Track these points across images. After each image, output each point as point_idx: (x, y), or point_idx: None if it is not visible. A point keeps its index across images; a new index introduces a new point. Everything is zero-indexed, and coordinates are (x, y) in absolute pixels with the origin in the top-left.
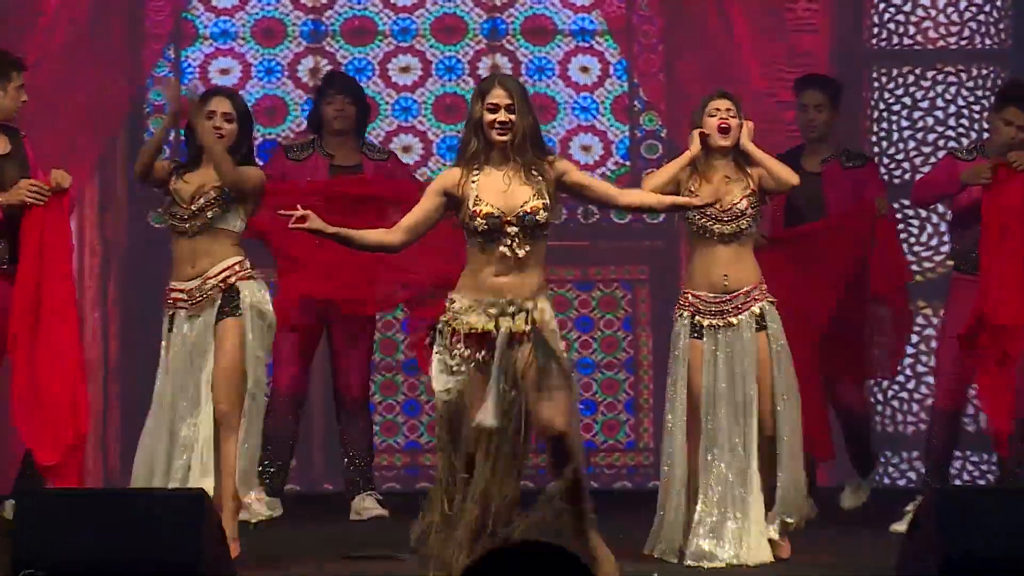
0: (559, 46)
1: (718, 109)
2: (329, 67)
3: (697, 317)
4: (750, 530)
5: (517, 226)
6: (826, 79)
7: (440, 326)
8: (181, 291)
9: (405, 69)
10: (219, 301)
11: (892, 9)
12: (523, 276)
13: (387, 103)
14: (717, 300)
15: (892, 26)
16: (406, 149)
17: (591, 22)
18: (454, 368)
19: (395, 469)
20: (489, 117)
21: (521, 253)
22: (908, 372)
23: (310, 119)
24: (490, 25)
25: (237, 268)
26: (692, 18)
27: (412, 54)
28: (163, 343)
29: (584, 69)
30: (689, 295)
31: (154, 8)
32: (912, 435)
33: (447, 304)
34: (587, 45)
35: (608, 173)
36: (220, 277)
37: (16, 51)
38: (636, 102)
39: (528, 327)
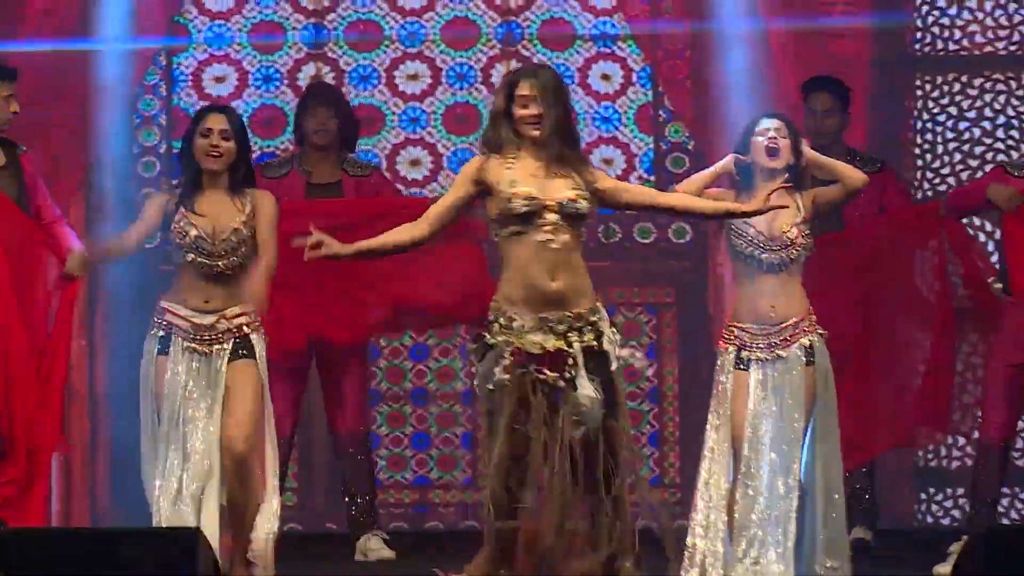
0: (578, 52)
1: (767, 130)
2: (332, 74)
3: (744, 351)
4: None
5: (558, 212)
6: (834, 81)
7: (495, 344)
8: (184, 319)
9: (413, 77)
10: (229, 346)
11: (936, 12)
12: (575, 279)
13: (394, 113)
14: (764, 332)
15: (936, 30)
16: (414, 163)
17: (613, 26)
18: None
19: (403, 507)
20: (519, 112)
21: (558, 243)
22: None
23: (295, 133)
24: (504, 30)
25: (253, 316)
26: (722, 22)
27: (421, 60)
28: (148, 364)
29: (605, 77)
30: (735, 328)
31: (144, 12)
32: (956, 471)
33: (499, 319)
34: (608, 51)
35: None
36: (236, 323)
37: None
38: (661, 112)
39: (597, 343)
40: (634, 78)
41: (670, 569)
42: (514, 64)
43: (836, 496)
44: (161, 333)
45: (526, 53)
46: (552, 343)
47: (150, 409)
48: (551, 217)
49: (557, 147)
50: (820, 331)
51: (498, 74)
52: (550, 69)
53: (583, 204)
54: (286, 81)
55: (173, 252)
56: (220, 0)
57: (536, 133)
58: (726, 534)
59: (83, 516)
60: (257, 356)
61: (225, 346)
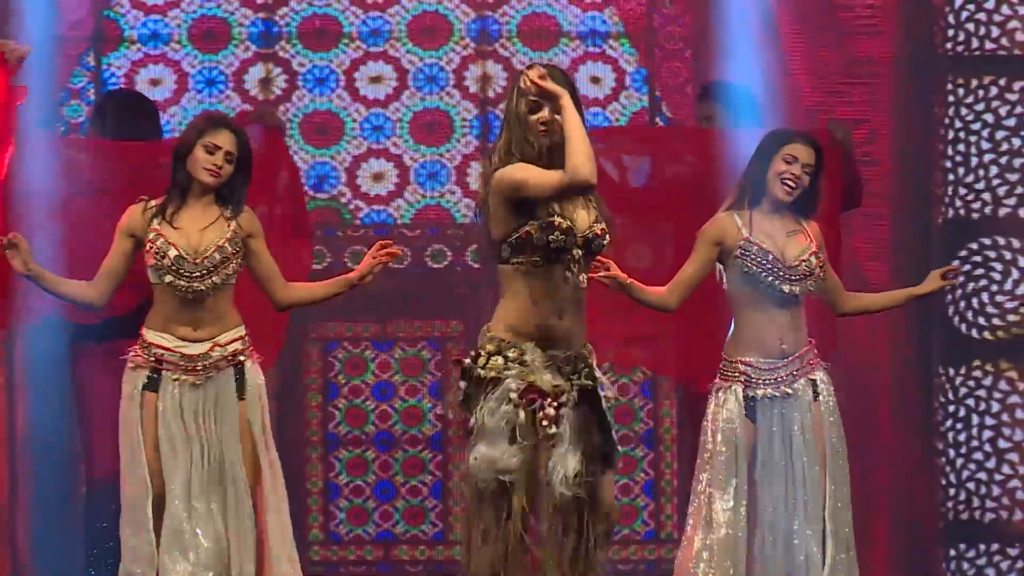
0: (564, 51)
1: (794, 158)
2: (283, 76)
3: (748, 389)
4: None
5: (583, 249)
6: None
7: (506, 379)
8: (171, 351)
9: (376, 79)
10: (229, 378)
11: (971, 7)
12: (581, 317)
13: (354, 120)
14: (771, 367)
15: (971, 27)
16: (377, 177)
17: (603, 22)
18: (522, 433)
19: (365, 564)
20: (531, 118)
21: (584, 282)
22: (988, 448)
23: None
24: (480, 26)
25: (246, 341)
26: (727, 18)
27: (385, 61)
28: (131, 402)
29: (595, 79)
30: (739, 363)
31: (69, 6)
32: (990, 524)
33: (506, 352)
34: (598, 50)
35: None
36: (230, 350)
37: None
38: (658, 119)
39: (590, 384)
40: (628, 81)
41: None
42: (491, 65)
43: (846, 543)
44: (148, 369)
45: (504, 53)
46: (559, 382)
47: (135, 452)
48: (576, 253)
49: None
50: (823, 364)
51: (472, 76)
52: (558, 69)
53: (606, 240)
54: (231, 84)
55: (149, 273)
56: None
57: (547, 139)
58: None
59: (2, 572)
60: (250, 387)
61: (222, 374)
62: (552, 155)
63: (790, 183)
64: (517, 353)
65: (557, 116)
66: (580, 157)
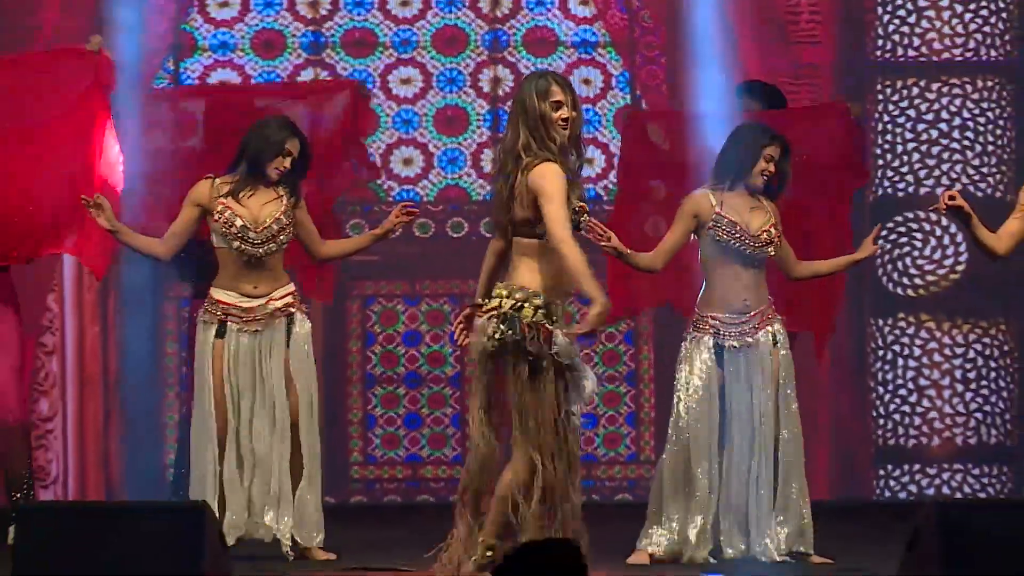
0: (561, 58)
1: (771, 157)
2: (329, 78)
3: (717, 339)
4: (759, 539)
5: (576, 229)
6: (768, 85)
7: (553, 329)
8: (235, 306)
9: (406, 81)
10: (280, 327)
11: (897, 21)
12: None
13: (387, 115)
14: (737, 321)
15: (897, 38)
16: (407, 162)
17: (593, 34)
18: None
19: (396, 482)
20: (554, 115)
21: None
22: (910, 385)
23: None
24: (491, 37)
25: (296, 296)
26: (695, 30)
27: (413, 66)
28: (204, 349)
29: (586, 81)
30: (709, 318)
31: (154, 20)
32: (913, 448)
33: (542, 304)
34: (589, 57)
35: (611, 185)
36: (282, 303)
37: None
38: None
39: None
40: (613, 83)
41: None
42: (500, 69)
43: (796, 476)
44: (216, 322)
45: (511, 59)
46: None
47: (207, 389)
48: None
49: (575, 154)
50: (780, 318)
51: (485, 79)
52: (561, 76)
53: (586, 218)
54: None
55: (216, 239)
56: (224, 9)
57: (566, 133)
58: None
59: (98, 490)
60: (299, 337)
61: (276, 325)
62: (568, 148)
63: (766, 176)
64: (557, 314)
65: (574, 113)
66: (572, 254)
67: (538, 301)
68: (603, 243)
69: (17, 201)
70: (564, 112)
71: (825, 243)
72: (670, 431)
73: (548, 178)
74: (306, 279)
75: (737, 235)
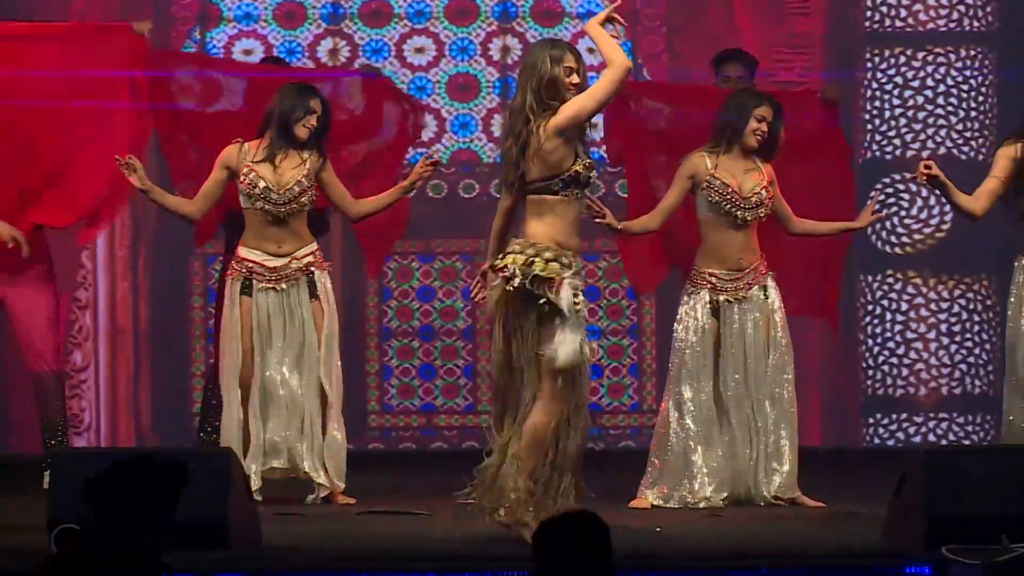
0: (567, 28)
1: (763, 119)
2: (347, 47)
3: (713, 294)
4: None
5: (586, 185)
6: (745, 53)
7: (571, 281)
8: (260, 264)
9: (420, 50)
10: (302, 283)
11: None
12: None
13: (403, 82)
14: (732, 278)
15: (885, 9)
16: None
17: (597, 5)
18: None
19: (411, 430)
20: (567, 80)
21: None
22: (898, 338)
23: None
24: (501, 8)
25: (318, 256)
26: (693, 2)
27: (427, 36)
28: (231, 304)
29: (591, 50)
30: (706, 273)
31: None
32: (900, 398)
33: (560, 260)
34: None
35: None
36: (304, 262)
37: None
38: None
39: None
40: None
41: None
42: (509, 39)
43: (788, 424)
44: (242, 278)
45: (520, 29)
46: None
47: (235, 342)
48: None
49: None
50: (771, 273)
51: (495, 48)
52: (567, 43)
53: (594, 174)
54: (306, 54)
55: (242, 200)
56: None
57: None
58: (688, 463)
59: (128, 437)
60: (322, 293)
61: (300, 283)
62: None
63: (759, 136)
64: (568, 260)
65: (581, 80)
66: (618, 54)
67: (548, 254)
68: (598, 219)
69: (53, 168)
70: (575, 78)
71: (827, 212)
72: (668, 384)
73: (563, 112)
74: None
75: (729, 196)
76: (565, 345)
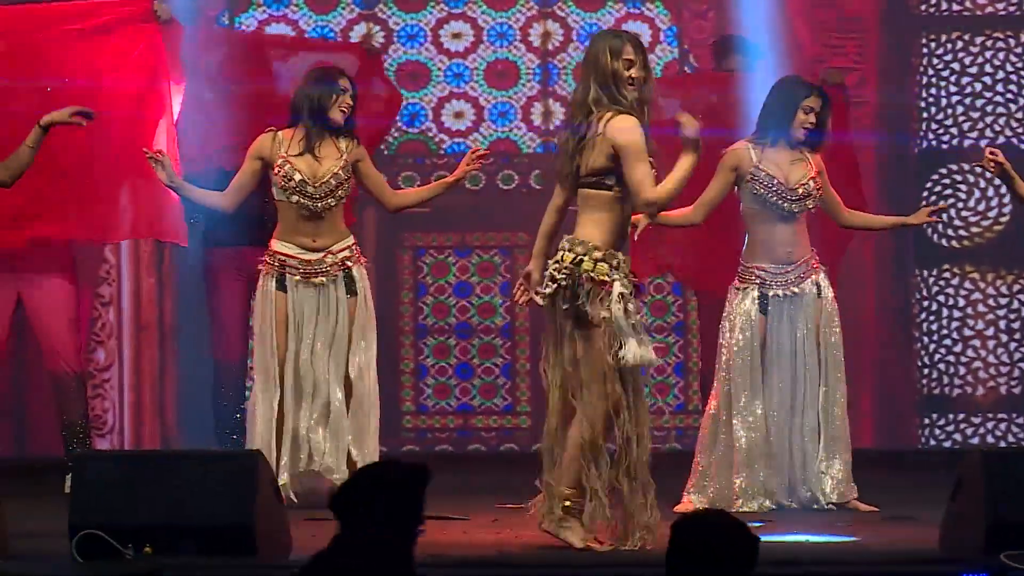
0: (610, 12)
1: (811, 109)
2: (382, 32)
3: (762, 289)
4: (816, 479)
5: None
6: (745, 39)
7: (622, 282)
8: (294, 258)
9: (457, 35)
10: (339, 279)
11: None
12: None
13: (439, 69)
14: (782, 271)
15: None
16: (458, 115)
17: None
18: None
19: (448, 431)
20: (626, 73)
21: None
22: (955, 335)
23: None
24: None
25: (355, 250)
26: None
27: (464, 20)
28: (266, 300)
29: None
30: (754, 269)
31: None
32: (957, 397)
33: (609, 261)
34: (637, 12)
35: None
36: (340, 257)
37: None
38: (686, 68)
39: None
40: (661, 37)
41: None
42: (550, 24)
43: (840, 426)
44: (276, 273)
45: (561, 14)
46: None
47: (269, 338)
48: None
49: (644, 112)
50: (824, 268)
51: (535, 33)
52: (638, 39)
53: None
54: (340, 39)
55: (276, 192)
56: None
57: (635, 94)
58: (735, 465)
59: (153, 438)
60: (359, 289)
61: (336, 278)
62: (636, 107)
63: (808, 128)
64: (617, 262)
65: (644, 73)
66: (668, 192)
67: (597, 254)
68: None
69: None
70: (635, 71)
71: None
72: (715, 384)
73: (629, 132)
74: None
75: (775, 188)
76: (629, 348)
